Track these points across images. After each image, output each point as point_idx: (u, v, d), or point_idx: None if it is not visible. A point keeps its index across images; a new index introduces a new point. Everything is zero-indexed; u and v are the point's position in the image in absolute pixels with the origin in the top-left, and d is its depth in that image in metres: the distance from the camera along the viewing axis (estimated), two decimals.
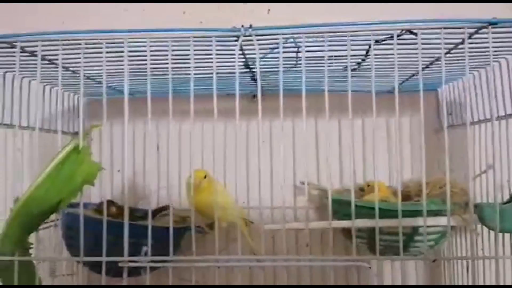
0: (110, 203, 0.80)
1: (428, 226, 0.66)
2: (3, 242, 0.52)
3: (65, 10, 0.97)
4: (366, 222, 0.63)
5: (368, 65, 0.68)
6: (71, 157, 0.52)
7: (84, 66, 0.55)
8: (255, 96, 0.94)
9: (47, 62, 0.61)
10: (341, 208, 0.70)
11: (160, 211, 0.86)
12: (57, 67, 0.63)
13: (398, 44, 0.53)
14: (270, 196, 0.95)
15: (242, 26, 0.51)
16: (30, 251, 0.57)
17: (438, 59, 0.64)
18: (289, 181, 0.93)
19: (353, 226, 0.55)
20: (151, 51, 0.54)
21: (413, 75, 0.76)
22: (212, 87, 0.54)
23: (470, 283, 0.72)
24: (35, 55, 0.57)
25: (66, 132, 0.87)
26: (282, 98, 0.56)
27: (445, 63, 0.67)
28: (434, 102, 0.92)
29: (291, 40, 0.53)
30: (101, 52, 0.54)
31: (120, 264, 0.55)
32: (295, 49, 0.61)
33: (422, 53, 0.60)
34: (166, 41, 0.53)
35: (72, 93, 0.91)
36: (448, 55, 0.61)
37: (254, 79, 0.77)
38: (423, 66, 0.69)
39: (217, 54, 0.55)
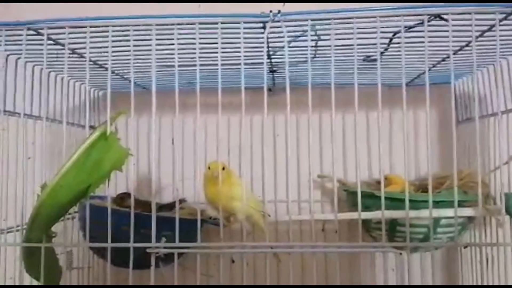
0: (128, 195, 0.80)
1: (451, 217, 0.67)
2: (31, 228, 0.51)
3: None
4: (396, 213, 0.63)
5: (390, 55, 0.67)
6: (98, 143, 0.51)
7: (106, 57, 0.55)
8: (270, 89, 0.94)
9: (70, 51, 0.61)
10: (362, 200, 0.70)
11: (175, 205, 0.86)
12: (74, 57, 0.64)
13: (418, 32, 0.52)
14: (286, 189, 0.96)
15: (271, 11, 0.51)
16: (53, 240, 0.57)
17: (462, 48, 0.63)
18: (305, 175, 0.93)
19: (383, 217, 0.54)
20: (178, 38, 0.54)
21: (434, 66, 0.75)
22: (231, 80, 0.54)
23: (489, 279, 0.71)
24: (59, 43, 0.57)
25: (82, 125, 0.87)
26: (310, 89, 0.56)
27: (467, 55, 0.67)
28: (450, 95, 0.91)
29: (318, 26, 0.52)
30: (128, 40, 0.53)
31: (148, 250, 0.55)
32: (316, 39, 0.61)
33: (443, 42, 0.60)
34: (193, 26, 0.52)
35: (88, 86, 0.91)
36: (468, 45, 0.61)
37: (272, 70, 0.77)
38: (445, 56, 0.68)
39: (238, 44, 0.55)
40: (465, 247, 0.76)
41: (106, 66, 0.69)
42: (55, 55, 0.61)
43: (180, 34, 0.54)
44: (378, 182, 0.84)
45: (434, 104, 0.92)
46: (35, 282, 0.58)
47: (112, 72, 0.74)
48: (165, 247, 0.56)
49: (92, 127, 0.72)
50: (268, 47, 0.61)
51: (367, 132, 0.93)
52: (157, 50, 0.56)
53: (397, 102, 0.90)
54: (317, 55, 0.70)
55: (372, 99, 0.90)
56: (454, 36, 0.54)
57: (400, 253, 0.53)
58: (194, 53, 0.55)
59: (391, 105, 0.91)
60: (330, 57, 0.56)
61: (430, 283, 0.89)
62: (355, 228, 0.89)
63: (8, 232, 0.62)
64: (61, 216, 0.54)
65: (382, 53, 0.67)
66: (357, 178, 0.56)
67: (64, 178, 0.50)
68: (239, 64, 0.56)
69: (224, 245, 0.56)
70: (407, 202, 0.54)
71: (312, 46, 0.63)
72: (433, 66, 0.74)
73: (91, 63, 0.65)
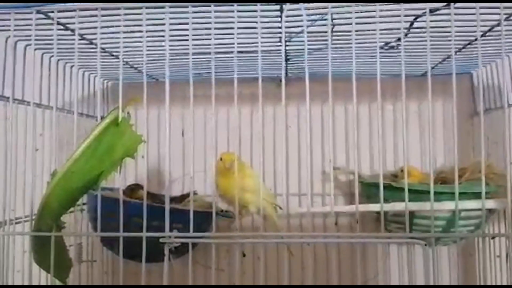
0: (138, 186, 0.79)
1: (471, 210, 0.65)
2: (41, 216, 0.50)
3: None
4: (418, 205, 0.61)
5: (408, 42, 0.65)
6: (110, 129, 0.50)
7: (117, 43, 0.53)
8: (281, 80, 0.91)
9: (79, 37, 0.59)
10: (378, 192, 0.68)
11: (187, 196, 0.84)
12: (84, 44, 0.62)
13: (442, 15, 0.50)
14: (298, 182, 0.94)
15: None
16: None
17: (487, 32, 0.60)
18: (317, 167, 0.91)
19: (406, 209, 0.53)
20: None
21: (449, 57, 0.73)
22: (242, 70, 0.50)
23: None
24: (69, 28, 0.55)
25: (91, 115, 0.86)
26: (330, 77, 0.54)
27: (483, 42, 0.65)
28: (468, 85, 0.89)
29: (338, 9, 0.50)
30: (140, 25, 0.51)
31: (161, 240, 0.53)
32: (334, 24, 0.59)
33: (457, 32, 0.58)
34: (209, 9, 0.50)
35: (99, 76, 0.89)
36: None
37: (286, 59, 0.75)
38: (469, 41, 0.66)
39: (254, 30, 0.52)
40: (492, 238, 0.74)
41: (117, 54, 0.67)
42: (64, 42, 0.59)
43: (194, 18, 0.52)
44: (394, 175, 0.82)
45: (451, 95, 0.89)
46: (43, 275, 0.56)
47: (124, 62, 0.72)
48: (178, 237, 0.53)
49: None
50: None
51: (382, 124, 0.91)
52: (170, 36, 0.54)
53: (412, 93, 0.88)
54: (333, 43, 0.68)
55: (386, 90, 0.90)
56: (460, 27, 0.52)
57: (426, 244, 0.51)
58: (209, 38, 0.53)
59: (406, 96, 0.89)
60: (348, 44, 0.54)
61: (446, 279, 0.86)
62: (368, 222, 0.87)
63: (16, 223, 0.61)
64: (72, 204, 0.52)
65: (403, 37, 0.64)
66: (380, 168, 0.54)
67: (75, 164, 0.49)
68: (253, 52, 0.54)
69: (237, 235, 0.54)
70: (431, 193, 0.53)
71: (331, 32, 0.61)
72: (456, 53, 0.72)
73: (102, 50, 0.63)
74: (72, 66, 0.75)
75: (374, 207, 0.67)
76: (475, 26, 0.51)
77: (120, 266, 0.55)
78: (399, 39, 0.64)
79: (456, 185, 0.53)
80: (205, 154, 0.86)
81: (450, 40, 0.59)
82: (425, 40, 0.54)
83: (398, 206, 0.64)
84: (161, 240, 0.53)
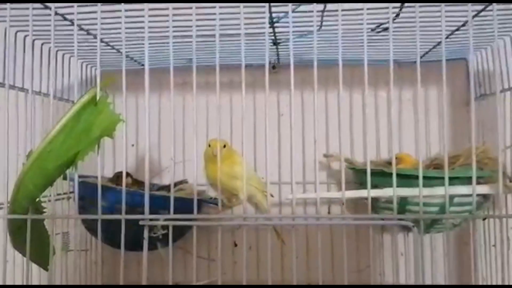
0: (125, 174, 0.77)
1: (466, 195, 0.63)
2: (15, 199, 0.48)
3: None
4: (407, 190, 0.59)
5: (399, 26, 0.63)
6: (87, 108, 0.48)
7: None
8: (274, 66, 0.90)
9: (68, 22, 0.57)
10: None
11: (176, 185, 0.83)
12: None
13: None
14: (290, 170, 0.92)
15: None
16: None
17: (479, 13, 0.59)
18: (310, 155, 0.89)
19: (395, 193, 0.52)
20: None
21: (447, 36, 0.71)
22: (232, 56, 0.48)
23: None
24: (67, 19, 0.54)
25: None
26: (316, 62, 0.52)
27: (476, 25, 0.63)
28: (463, 71, 0.88)
29: None
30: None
31: (141, 223, 0.52)
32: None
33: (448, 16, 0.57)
34: None
35: (86, 63, 0.88)
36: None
37: (276, 43, 0.73)
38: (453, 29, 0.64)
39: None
40: (484, 219, 0.72)
41: (94, 33, 0.66)
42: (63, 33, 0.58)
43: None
44: (387, 162, 0.80)
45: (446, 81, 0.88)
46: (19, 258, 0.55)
47: (107, 45, 0.71)
48: (155, 219, 0.52)
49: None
50: (270, 12, 0.57)
51: (375, 111, 0.90)
52: (150, 16, 0.53)
53: (406, 79, 0.87)
54: (323, 25, 0.66)
55: (380, 77, 0.88)
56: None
57: (414, 226, 0.49)
58: (191, 19, 0.52)
59: (400, 83, 0.87)
60: (337, 26, 0.52)
61: (441, 268, 0.85)
62: (361, 209, 0.86)
63: None
64: (48, 185, 0.50)
65: (394, 19, 0.63)
66: (367, 154, 0.52)
67: (51, 144, 0.47)
68: (239, 34, 0.53)
69: (223, 217, 0.52)
70: (420, 177, 0.51)
71: (319, 11, 0.59)
72: (447, 37, 0.70)
73: (91, 36, 0.62)
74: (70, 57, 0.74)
75: (363, 193, 0.65)
76: (466, 10, 0.49)
77: (98, 248, 0.54)
78: (387, 22, 0.63)
79: (446, 170, 0.52)
80: (196, 142, 0.85)
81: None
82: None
83: (388, 192, 0.63)
84: (140, 222, 0.52)
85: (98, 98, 0.48)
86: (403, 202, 0.66)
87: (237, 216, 0.54)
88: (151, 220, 0.52)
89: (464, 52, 0.83)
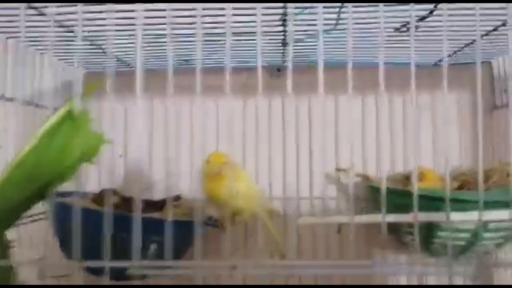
0: (111, 192, 0.68)
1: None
2: None
3: None
4: (435, 216, 0.51)
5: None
6: (64, 125, 0.38)
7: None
8: (279, 69, 0.81)
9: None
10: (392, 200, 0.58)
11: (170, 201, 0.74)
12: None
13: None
14: (296, 185, 0.84)
15: None
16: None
17: None
18: (319, 168, 0.80)
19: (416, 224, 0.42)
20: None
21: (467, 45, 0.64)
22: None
23: None
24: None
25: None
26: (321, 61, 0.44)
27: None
28: (487, 76, 0.80)
29: None
30: None
31: (129, 272, 0.43)
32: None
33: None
34: None
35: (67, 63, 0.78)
36: None
37: (284, 43, 0.65)
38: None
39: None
40: None
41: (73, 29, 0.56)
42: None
43: None
44: (407, 177, 0.72)
45: (467, 87, 0.80)
46: None
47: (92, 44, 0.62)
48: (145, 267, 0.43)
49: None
50: (285, 9, 0.49)
51: (389, 119, 0.81)
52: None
53: (423, 84, 0.78)
54: (338, 24, 0.58)
55: (394, 81, 0.80)
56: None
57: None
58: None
59: (417, 88, 0.79)
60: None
61: None
62: (375, 230, 0.78)
63: None
64: (12, 223, 0.40)
65: (421, 19, 0.55)
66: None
67: (17, 170, 0.37)
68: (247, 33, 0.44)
69: (204, 264, 0.44)
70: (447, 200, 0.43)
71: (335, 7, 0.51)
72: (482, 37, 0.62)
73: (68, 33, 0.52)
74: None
75: (377, 218, 0.56)
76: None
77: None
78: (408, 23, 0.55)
79: (481, 191, 0.43)
80: (192, 152, 0.76)
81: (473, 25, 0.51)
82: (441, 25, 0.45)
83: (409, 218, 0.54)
84: (128, 271, 0.43)
85: (75, 112, 0.38)
86: (432, 226, 0.58)
87: (226, 264, 0.45)
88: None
89: (488, 55, 0.75)
